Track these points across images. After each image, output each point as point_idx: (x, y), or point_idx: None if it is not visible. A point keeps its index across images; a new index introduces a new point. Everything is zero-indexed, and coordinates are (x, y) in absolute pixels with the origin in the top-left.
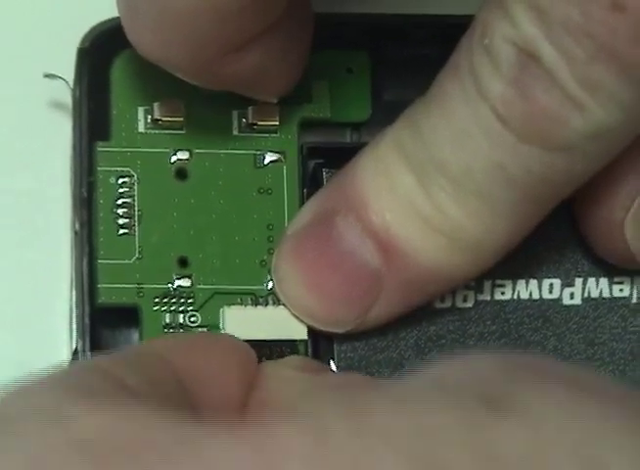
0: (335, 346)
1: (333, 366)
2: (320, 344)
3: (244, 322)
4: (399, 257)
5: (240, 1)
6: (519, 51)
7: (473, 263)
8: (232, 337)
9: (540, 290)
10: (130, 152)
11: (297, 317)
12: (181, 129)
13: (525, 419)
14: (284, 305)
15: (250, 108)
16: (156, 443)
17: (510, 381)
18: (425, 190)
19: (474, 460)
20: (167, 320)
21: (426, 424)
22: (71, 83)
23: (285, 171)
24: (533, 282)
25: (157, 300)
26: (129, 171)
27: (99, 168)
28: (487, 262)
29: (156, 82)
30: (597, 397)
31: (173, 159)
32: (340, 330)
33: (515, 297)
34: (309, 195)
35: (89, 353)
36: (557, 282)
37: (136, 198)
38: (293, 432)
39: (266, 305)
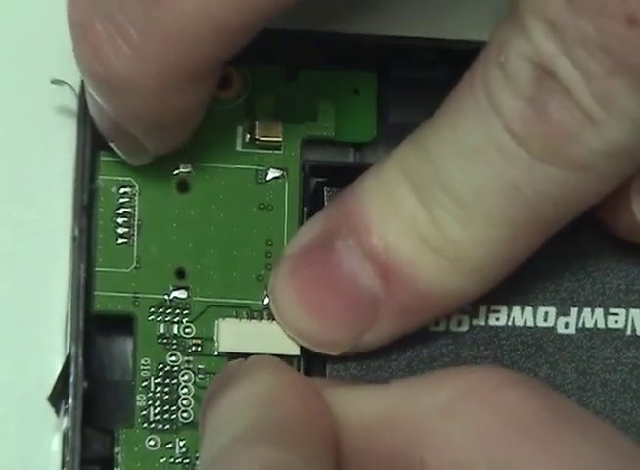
0: (327, 364)
1: None
2: (313, 361)
3: (238, 336)
4: (399, 281)
5: (240, 20)
6: (535, 67)
7: (473, 287)
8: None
9: (535, 318)
10: None
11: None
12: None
13: None
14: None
15: (254, 123)
16: None
17: None
18: (428, 212)
19: None
20: (162, 330)
21: None
22: (77, 89)
23: (286, 188)
24: (529, 309)
25: (152, 309)
26: (131, 182)
27: (101, 177)
28: (488, 286)
29: None
30: None
31: (175, 171)
32: (333, 352)
33: (509, 323)
34: (310, 213)
35: (81, 359)
36: (552, 311)
37: (136, 208)
38: None
39: (261, 319)
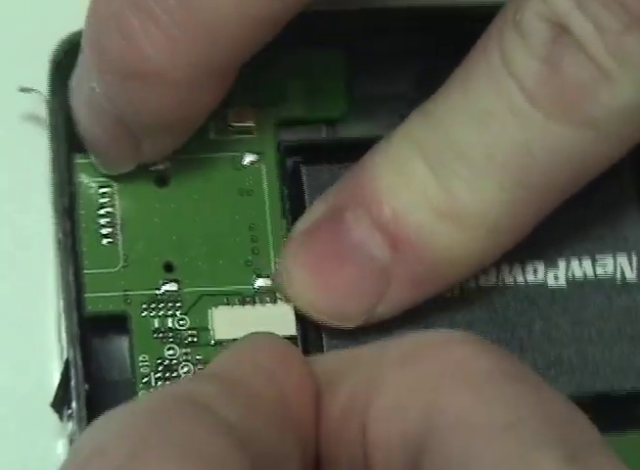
0: (324, 342)
1: None
2: (309, 340)
3: (232, 322)
4: (408, 250)
5: (273, 13)
6: (551, 26)
7: (484, 253)
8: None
9: (524, 273)
10: None
11: (286, 315)
12: None
13: None
14: (280, 301)
15: (226, 110)
16: None
17: None
18: (439, 179)
19: None
20: (156, 325)
21: None
22: (46, 95)
23: (264, 171)
24: (517, 266)
25: (144, 306)
26: (109, 181)
27: (79, 180)
28: (500, 252)
29: None
30: None
31: (152, 166)
32: (347, 325)
33: (500, 282)
34: (289, 193)
35: (80, 363)
36: (540, 265)
37: (117, 207)
38: None
39: (254, 304)
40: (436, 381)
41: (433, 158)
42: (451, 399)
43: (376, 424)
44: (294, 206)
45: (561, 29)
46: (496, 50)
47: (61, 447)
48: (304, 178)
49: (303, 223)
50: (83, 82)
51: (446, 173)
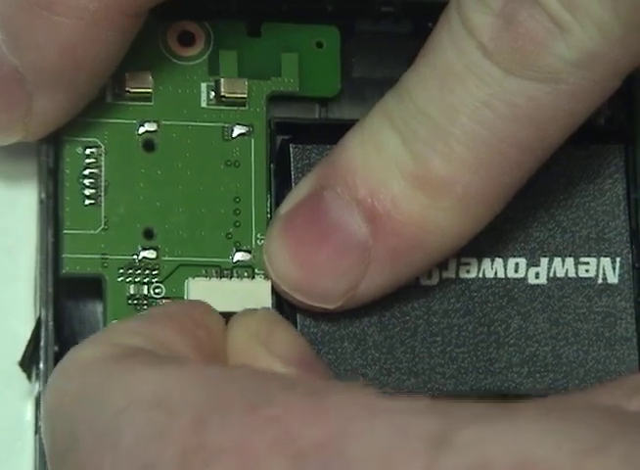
0: (298, 320)
1: None
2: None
3: (208, 294)
4: (386, 223)
5: None
6: None
7: (459, 222)
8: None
9: (506, 269)
10: (97, 122)
11: (262, 291)
12: (149, 101)
13: None
14: (257, 277)
15: (219, 80)
16: None
17: None
18: (410, 149)
19: None
20: (132, 291)
21: None
22: None
23: (253, 144)
24: (499, 261)
25: (121, 271)
26: (96, 142)
27: (65, 138)
28: (475, 222)
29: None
30: None
31: (141, 130)
32: (330, 306)
33: (480, 275)
34: (276, 170)
35: (52, 323)
36: (522, 261)
37: (103, 169)
38: None
39: (231, 277)
40: None
41: (402, 127)
42: None
43: None
44: (279, 183)
45: None
46: (455, 12)
47: (29, 408)
48: (292, 157)
49: (287, 205)
50: None
51: (415, 140)
